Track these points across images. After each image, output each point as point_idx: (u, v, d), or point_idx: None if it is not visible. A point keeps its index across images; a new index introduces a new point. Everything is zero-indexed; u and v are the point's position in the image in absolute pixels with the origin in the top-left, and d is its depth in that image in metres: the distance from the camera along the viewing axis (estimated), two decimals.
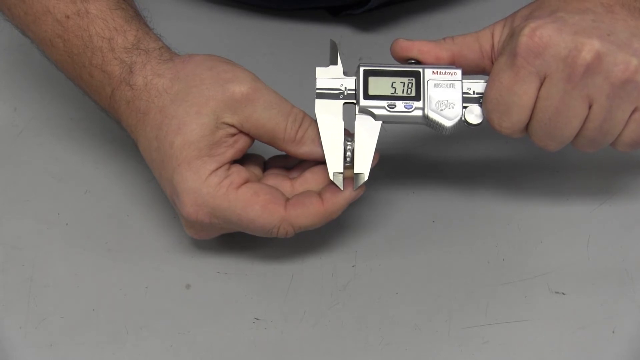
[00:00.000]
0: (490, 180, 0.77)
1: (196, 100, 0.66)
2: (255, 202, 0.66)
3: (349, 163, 0.67)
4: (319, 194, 0.68)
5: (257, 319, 0.70)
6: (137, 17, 0.70)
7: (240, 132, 0.67)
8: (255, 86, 0.67)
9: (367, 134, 0.67)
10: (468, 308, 0.70)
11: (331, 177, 0.67)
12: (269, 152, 0.71)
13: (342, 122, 0.67)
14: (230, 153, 0.67)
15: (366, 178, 0.67)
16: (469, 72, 0.69)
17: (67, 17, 0.69)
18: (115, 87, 0.68)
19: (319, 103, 0.67)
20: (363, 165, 0.67)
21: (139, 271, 0.72)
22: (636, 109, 0.65)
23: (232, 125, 0.67)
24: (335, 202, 0.67)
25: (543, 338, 0.68)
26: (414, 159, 0.78)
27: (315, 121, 0.68)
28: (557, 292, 0.71)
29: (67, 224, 0.74)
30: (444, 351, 0.68)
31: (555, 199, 0.75)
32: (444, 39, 0.69)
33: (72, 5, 0.69)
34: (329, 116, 0.67)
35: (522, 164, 0.78)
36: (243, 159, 0.70)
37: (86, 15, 0.69)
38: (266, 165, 0.72)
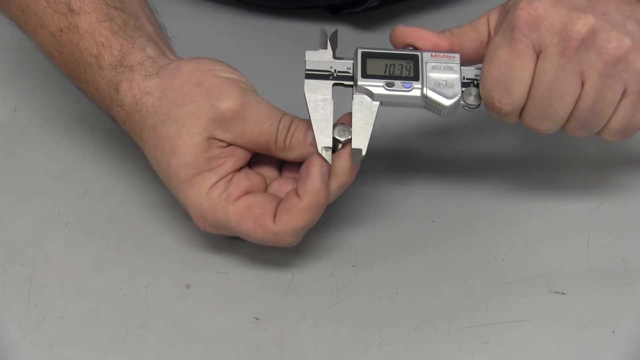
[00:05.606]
0: (490, 180, 0.76)
1: (186, 120, 0.66)
2: (248, 217, 0.66)
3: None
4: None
5: (257, 319, 0.70)
6: (125, 26, 0.69)
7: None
8: (244, 102, 0.66)
9: (364, 112, 0.66)
10: (468, 308, 0.70)
11: (320, 151, 0.66)
12: None
13: (332, 101, 0.66)
14: (230, 162, 0.67)
15: (364, 154, 0.66)
16: (470, 61, 0.69)
17: (61, 31, 0.69)
18: (108, 105, 0.69)
19: (308, 82, 0.67)
20: (361, 141, 0.66)
21: (139, 271, 0.72)
22: (625, 93, 0.65)
23: (224, 141, 0.67)
24: (310, 192, 0.65)
25: (543, 338, 0.68)
26: (413, 158, 0.78)
27: (303, 121, 0.67)
28: (557, 292, 0.70)
29: (67, 224, 0.74)
30: (444, 351, 0.68)
31: (556, 199, 0.75)
32: (442, 31, 0.69)
33: (64, 18, 0.69)
34: (317, 94, 0.66)
35: (522, 163, 0.78)
36: (258, 161, 0.70)
37: (76, 30, 0.68)
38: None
